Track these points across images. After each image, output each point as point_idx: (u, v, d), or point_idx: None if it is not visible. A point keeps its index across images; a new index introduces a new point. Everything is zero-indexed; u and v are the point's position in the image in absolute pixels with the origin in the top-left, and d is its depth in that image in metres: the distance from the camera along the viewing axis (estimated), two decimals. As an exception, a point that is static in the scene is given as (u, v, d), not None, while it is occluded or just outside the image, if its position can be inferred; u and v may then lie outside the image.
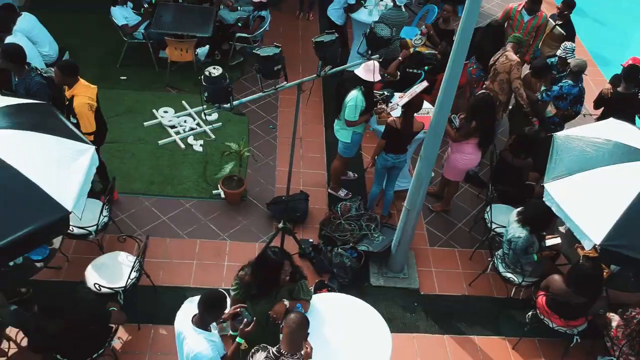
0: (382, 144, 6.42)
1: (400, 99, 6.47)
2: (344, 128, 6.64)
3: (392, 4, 8.28)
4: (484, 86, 7.54)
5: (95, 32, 9.28)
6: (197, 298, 4.27)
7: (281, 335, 3.97)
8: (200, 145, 7.69)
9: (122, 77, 8.62)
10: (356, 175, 7.66)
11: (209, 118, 8.04)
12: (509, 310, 6.35)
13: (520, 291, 6.28)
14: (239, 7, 9.19)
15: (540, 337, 6.08)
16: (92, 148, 5.01)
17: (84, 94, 5.96)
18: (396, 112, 6.58)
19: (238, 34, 8.70)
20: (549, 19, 8.22)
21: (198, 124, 7.99)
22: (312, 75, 5.08)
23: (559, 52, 7.33)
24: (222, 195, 7.07)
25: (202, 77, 4.45)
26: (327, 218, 6.83)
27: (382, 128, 6.58)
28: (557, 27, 8.07)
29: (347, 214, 6.79)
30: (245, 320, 4.28)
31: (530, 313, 5.89)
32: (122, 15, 8.45)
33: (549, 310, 5.61)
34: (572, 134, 5.89)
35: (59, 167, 4.68)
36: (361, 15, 8.62)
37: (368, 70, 6.23)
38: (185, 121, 7.98)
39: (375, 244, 6.58)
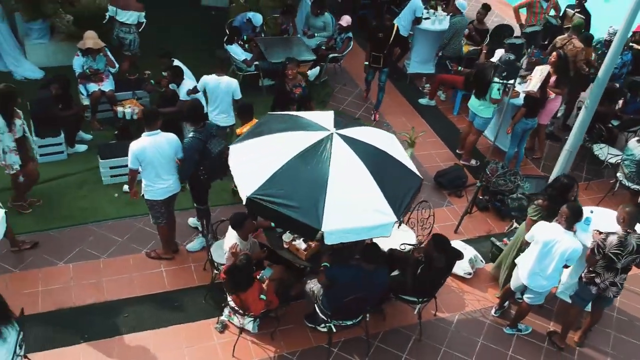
0: (523, 112, 8.40)
1: (530, 81, 8.42)
2: (489, 106, 8.49)
3: (442, 13, 10.41)
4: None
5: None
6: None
7: (621, 222, 5.74)
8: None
9: (245, 105, 9.69)
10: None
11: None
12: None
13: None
14: (315, 34, 10.61)
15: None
16: (394, 136, 6.43)
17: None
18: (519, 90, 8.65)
19: (331, 55, 10.18)
20: (567, 9, 10.78)
21: (332, 131, 9.36)
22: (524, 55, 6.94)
23: (605, 37, 9.68)
24: (393, 179, 8.58)
25: (500, 59, 6.12)
26: (485, 179, 8.62)
27: (516, 101, 8.60)
28: (576, 14, 10.59)
29: (496, 173, 8.64)
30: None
31: (664, 205, 8.16)
32: (240, 52, 9.57)
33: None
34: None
35: (397, 147, 6.09)
36: (427, 24, 10.55)
37: (504, 57, 8.19)
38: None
39: (527, 189, 8.49)
